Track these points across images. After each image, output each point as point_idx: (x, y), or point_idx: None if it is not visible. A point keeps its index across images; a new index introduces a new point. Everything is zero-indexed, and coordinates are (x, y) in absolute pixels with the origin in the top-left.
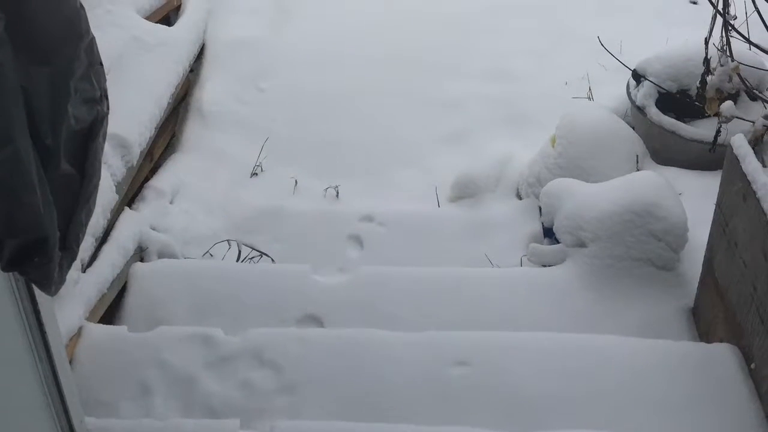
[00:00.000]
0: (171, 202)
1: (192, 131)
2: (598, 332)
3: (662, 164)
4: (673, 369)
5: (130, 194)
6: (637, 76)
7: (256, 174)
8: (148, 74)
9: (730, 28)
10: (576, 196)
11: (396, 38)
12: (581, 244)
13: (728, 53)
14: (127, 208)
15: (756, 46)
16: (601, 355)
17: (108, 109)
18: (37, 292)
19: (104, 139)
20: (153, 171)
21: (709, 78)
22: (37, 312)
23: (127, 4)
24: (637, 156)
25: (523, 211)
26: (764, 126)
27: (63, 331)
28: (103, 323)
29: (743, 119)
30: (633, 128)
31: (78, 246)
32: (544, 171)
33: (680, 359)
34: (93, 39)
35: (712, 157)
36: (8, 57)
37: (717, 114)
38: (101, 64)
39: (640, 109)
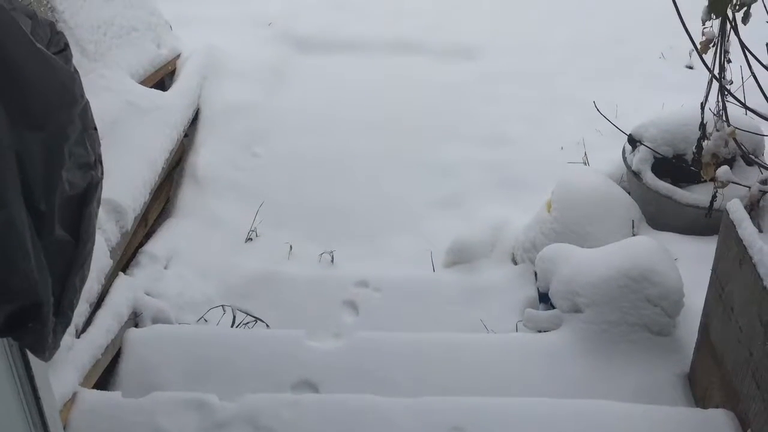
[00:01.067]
0: (166, 268)
1: (187, 196)
2: (593, 398)
3: (658, 229)
4: None
5: (125, 259)
6: (633, 141)
7: (251, 239)
8: (142, 139)
9: (726, 92)
10: (571, 261)
11: (392, 103)
12: (577, 310)
13: (724, 118)
14: (121, 274)
15: (752, 110)
16: (597, 421)
17: (102, 174)
18: (32, 358)
19: (98, 204)
20: (147, 236)
21: (705, 143)
22: (31, 377)
23: (121, 69)
24: (633, 221)
25: (519, 276)
26: (760, 191)
27: (57, 397)
28: (98, 389)
29: (739, 184)
30: (629, 193)
31: (72, 311)
32: (539, 236)
33: (676, 425)
34: (87, 104)
35: (708, 222)
36: (2, 122)
37: (713, 179)
38: (95, 128)
39: (636, 174)
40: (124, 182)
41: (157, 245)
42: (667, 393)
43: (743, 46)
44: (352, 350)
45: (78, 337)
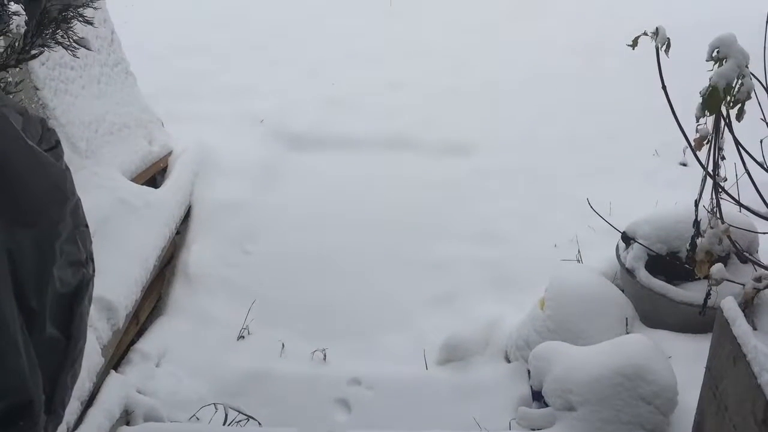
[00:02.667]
0: (157, 365)
1: (178, 294)
2: None
3: (652, 327)
4: None
5: (116, 357)
6: (627, 239)
7: (243, 337)
8: (134, 237)
9: (720, 190)
10: (565, 360)
11: (385, 200)
12: (570, 408)
13: (718, 215)
14: (113, 372)
15: (746, 208)
16: None
17: (94, 271)
18: None
19: (90, 301)
20: (139, 334)
21: (699, 240)
22: None
23: (112, 167)
24: (627, 319)
25: (512, 374)
26: (754, 289)
27: None
28: None
29: (733, 282)
30: (622, 291)
31: (63, 409)
32: (533, 334)
33: None
34: (78, 201)
35: (702, 319)
36: None
37: (707, 276)
38: (87, 226)
39: (630, 272)
40: (116, 280)
41: (148, 343)
42: None
43: (737, 144)
44: None
45: None
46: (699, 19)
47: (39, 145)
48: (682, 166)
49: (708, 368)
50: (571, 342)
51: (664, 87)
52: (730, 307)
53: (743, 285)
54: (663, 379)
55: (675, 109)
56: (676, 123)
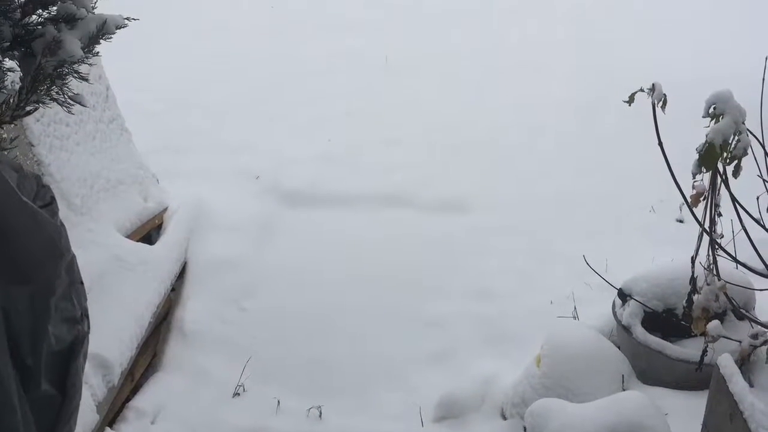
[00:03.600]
0: (152, 423)
1: (173, 351)
2: None
3: (649, 384)
4: None
5: (111, 414)
6: (623, 296)
7: (239, 394)
8: (129, 293)
9: (716, 246)
10: (561, 417)
11: (380, 257)
12: None
13: (715, 272)
14: (108, 429)
15: (743, 265)
16: None
17: (89, 328)
18: None
19: (85, 358)
20: (134, 391)
21: (695, 297)
22: None
23: (108, 223)
24: (623, 376)
25: None
26: (751, 345)
27: None
28: None
29: (730, 338)
30: (619, 347)
31: None
32: (529, 391)
33: None
34: (74, 258)
35: (699, 376)
36: None
37: (704, 333)
38: (82, 283)
39: (626, 329)
40: (111, 336)
41: (144, 400)
42: None
43: (734, 200)
44: None
45: None
46: (696, 75)
47: (34, 202)
48: (678, 223)
49: (705, 425)
50: (567, 399)
51: (660, 143)
52: (726, 364)
53: (740, 342)
54: None
55: (672, 166)
56: (672, 179)
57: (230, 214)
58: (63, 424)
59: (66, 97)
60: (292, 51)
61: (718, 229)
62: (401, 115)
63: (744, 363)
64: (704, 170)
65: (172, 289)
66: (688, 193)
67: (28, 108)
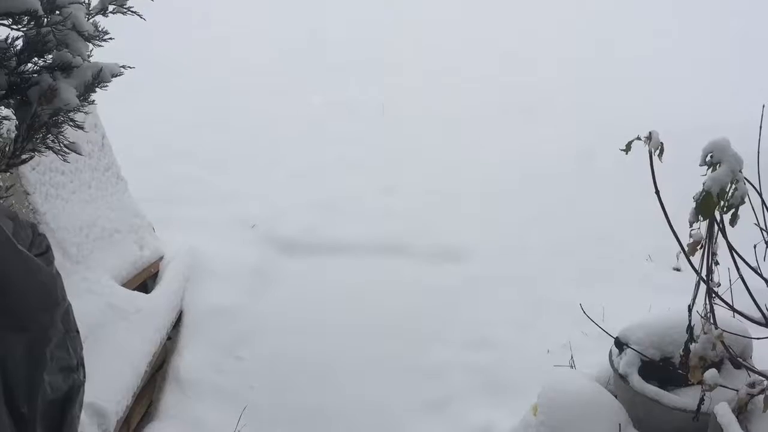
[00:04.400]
0: None
1: (169, 399)
2: None
3: None
4: None
5: None
6: (620, 344)
7: None
8: (125, 342)
9: (713, 295)
10: None
11: (377, 306)
12: None
13: (712, 321)
14: None
15: (740, 313)
16: None
17: (84, 377)
18: None
19: (81, 407)
20: None
21: (692, 346)
22: None
23: (103, 272)
24: (620, 425)
25: None
26: (748, 394)
27: None
28: None
29: (727, 387)
30: (616, 396)
31: None
32: None
33: None
34: (69, 306)
35: (696, 425)
36: None
37: (701, 382)
38: (77, 331)
39: (623, 377)
40: (107, 385)
41: None
42: None
43: (731, 248)
44: None
45: None
46: (693, 124)
47: (29, 250)
48: (675, 271)
49: None
50: None
51: (657, 192)
52: (723, 413)
53: (737, 391)
54: None
55: (669, 214)
56: (669, 228)
57: (226, 262)
58: None
59: (62, 145)
60: (287, 98)
61: (715, 278)
62: (398, 163)
63: (741, 412)
64: (701, 219)
65: (168, 338)
66: (685, 241)
67: (23, 156)
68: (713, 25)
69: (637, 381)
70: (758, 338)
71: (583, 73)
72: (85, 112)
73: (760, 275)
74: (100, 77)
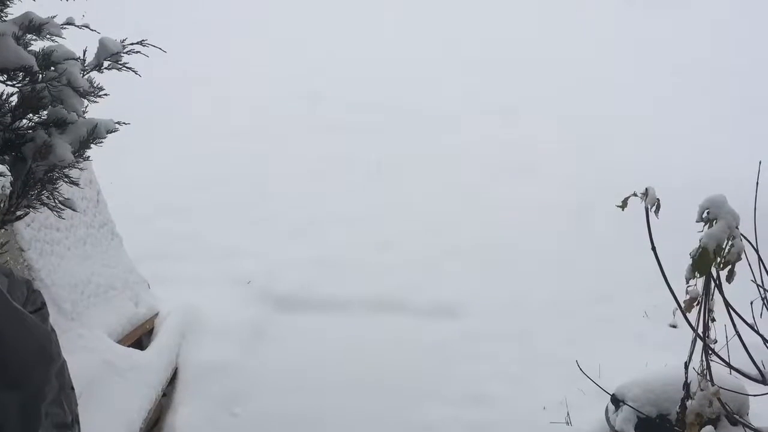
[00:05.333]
0: None
1: None
2: None
3: None
4: None
5: None
6: (616, 401)
7: None
8: (119, 399)
9: (710, 352)
10: None
11: (371, 363)
12: None
13: (708, 377)
14: None
15: (736, 370)
16: None
17: None
18: None
19: None
20: None
21: (689, 402)
22: None
23: (98, 328)
24: None
25: None
26: None
27: None
28: None
29: None
30: None
31: None
32: None
33: None
34: (64, 363)
35: None
36: None
37: None
38: (72, 388)
39: None
40: None
41: None
42: None
43: (727, 305)
44: None
45: None
46: (689, 180)
47: (24, 307)
48: (672, 328)
49: None
50: None
51: (653, 248)
52: None
53: None
54: None
55: (665, 270)
56: (666, 284)
57: (222, 318)
58: None
59: (57, 202)
60: (282, 153)
61: (712, 335)
62: (391, 220)
63: None
64: (698, 275)
65: (164, 394)
66: (682, 297)
67: (18, 213)
68: (713, 83)
69: None
70: (755, 395)
71: (583, 131)
72: (80, 169)
73: (757, 332)
74: (95, 133)
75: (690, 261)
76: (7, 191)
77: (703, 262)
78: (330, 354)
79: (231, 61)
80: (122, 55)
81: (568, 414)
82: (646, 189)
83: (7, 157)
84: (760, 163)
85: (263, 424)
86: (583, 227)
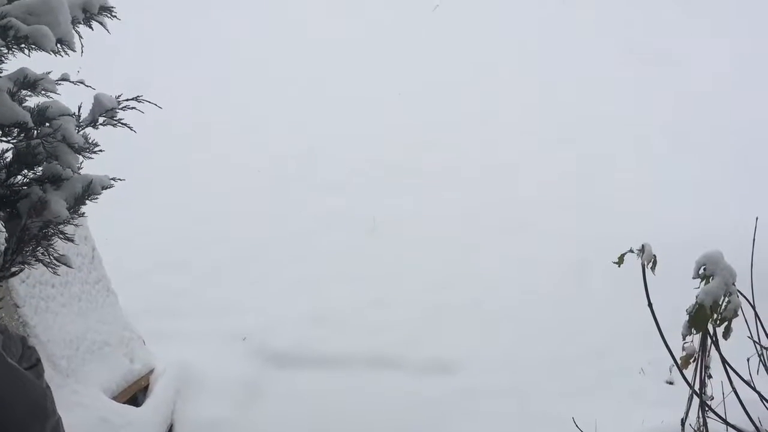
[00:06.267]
0: None
1: None
2: None
3: None
4: None
5: None
6: None
7: None
8: None
9: (707, 408)
10: None
11: (371, 420)
12: None
13: None
14: None
15: (733, 427)
16: None
17: None
18: None
19: None
20: None
21: None
22: None
23: (93, 385)
24: None
25: None
26: None
27: None
28: None
29: None
30: None
31: None
32: None
33: None
34: (59, 420)
35: None
36: None
37: None
38: None
39: None
40: None
41: None
42: None
43: (724, 362)
44: None
45: None
46: (685, 236)
47: (19, 363)
48: (668, 384)
49: None
50: None
51: (650, 304)
52: None
53: None
54: None
55: (661, 326)
56: (662, 341)
57: (218, 375)
58: None
59: (52, 258)
60: (277, 211)
61: (708, 391)
62: (387, 277)
63: None
64: (694, 332)
65: None
66: (678, 354)
67: (13, 269)
68: (710, 139)
69: None
70: None
71: (581, 187)
72: (75, 225)
73: (754, 389)
74: (90, 189)
75: (686, 317)
76: (2, 248)
77: (699, 318)
78: (326, 412)
79: (231, 115)
80: (117, 111)
81: None
82: (643, 245)
83: (2, 214)
84: (756, 219)
85: None
86: (580, 283)
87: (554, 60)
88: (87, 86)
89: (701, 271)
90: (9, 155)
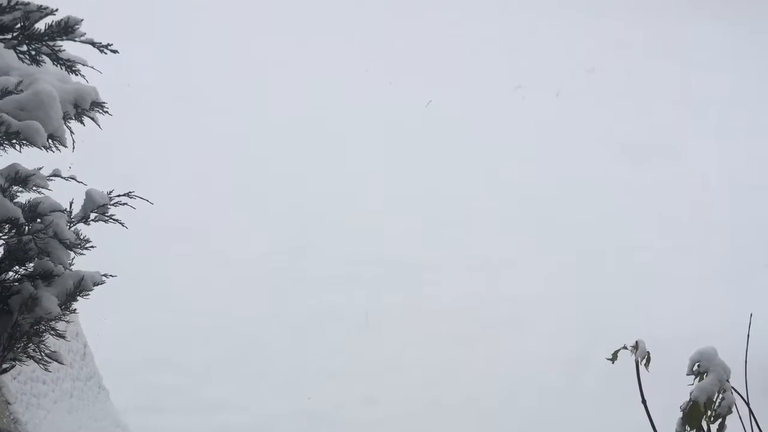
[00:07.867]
0: None
1: None
2: None
3: None
4: None
5: None
6: None
7: None
8: None
9: None
10: None
11: None
12: None
13: None
14: None
15: None
16: None
17: None
18: None
19: None
20: None
21: None
22: None
23: None
24: None
25: None
26: None
27: None
28: None
29: None
30: None
31: None
32: None
33: None
34: None
35: None
36: None
37: None
38: None
39: None
40: None
41: None
42: None
43: None
44: None
45: None
46: (679, 332)
47: None
48: None
49: None
50: None
51: (644, 401)
52: None
53: None
54: None
55: (655, 423)
56: None
57: None
58: None
59: (43, 354)
60: (267, 307)
61: None
62: (380, 373)
63: None
64: (689, 429)
65: None
66: None
67: (4, 366)
68: (705, 236)
69: None
70: None
71: (572, 284)
72: (67, 321)
73: None
74: (81, 286)
75: (680, 414)
76: None
77: (693, 415)
78: None
79: (228, 212)
80: (109, 207)
81: None
82: (636, 342)
83: None
84: (751, 315)
85: None
86: (573, 380)
87: (542, 161)
88: (79, 182)
89: (695, 367)
90: (0, 251)
